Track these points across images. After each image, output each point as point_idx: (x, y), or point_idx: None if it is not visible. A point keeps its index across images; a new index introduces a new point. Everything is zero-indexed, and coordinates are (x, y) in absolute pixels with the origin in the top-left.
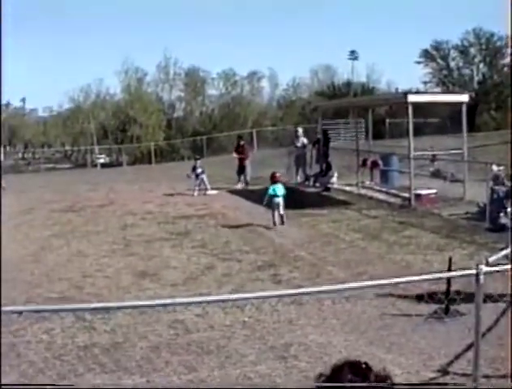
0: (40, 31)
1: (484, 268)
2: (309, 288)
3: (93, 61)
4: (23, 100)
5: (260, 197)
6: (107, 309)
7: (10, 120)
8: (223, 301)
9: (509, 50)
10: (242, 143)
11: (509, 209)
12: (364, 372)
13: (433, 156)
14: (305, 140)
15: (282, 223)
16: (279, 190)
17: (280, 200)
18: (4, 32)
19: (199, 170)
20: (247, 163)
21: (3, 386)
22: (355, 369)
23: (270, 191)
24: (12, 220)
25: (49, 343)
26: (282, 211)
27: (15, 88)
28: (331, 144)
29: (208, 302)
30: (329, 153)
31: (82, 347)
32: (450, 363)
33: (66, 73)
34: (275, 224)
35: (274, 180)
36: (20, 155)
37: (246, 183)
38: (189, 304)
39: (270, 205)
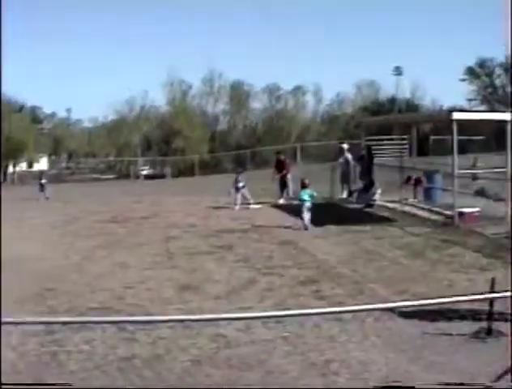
0: (88, 43)
1: None
2: (352, 307)
3: (138, 73)
4: (69, 110)
5: None
6: (146, 323)
7: (56, 130)
8: (266, 317)
9: None
10: (282, 157)
11: None
12: None
13: (474, 174)
14: (349, 156)
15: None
16: (308, 194)
17: (309, 204)
18: (4, 36)
19: (241, 184)
20: (289, 177)
21: (3, 387)
22: None
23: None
24: (56, 230)
25: (90, 353)
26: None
27: (61, 99)
28: (375, 160)
29: (252, 318)
30: (373, 169)
31: (123, 358)
32: (492, 384)
33: (112, 85)
34: (306, 228)
35: (303, 186)
36: (64, 164)
37: (289, 198)
38: (234, 319)
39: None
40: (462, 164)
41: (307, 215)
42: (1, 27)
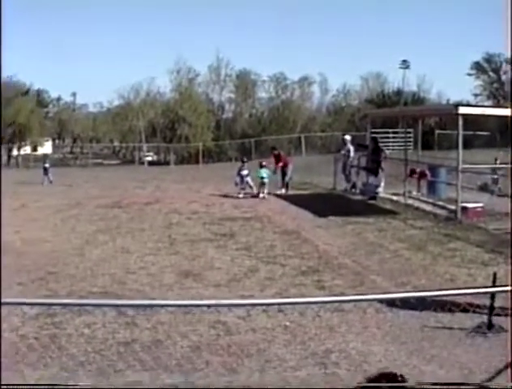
0: (94, 27)
1: None
2: (353, 296)
3: (145, 59)
4: (74, 94)
5: (306, 202)
6: (148, 307)
7: (61, 114)
8: (268, 305)
9: None
10: (277, 152)
11: None
12: (400, 383)
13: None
14: (351, 148)
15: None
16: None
17: (266, 180)
18: (4, 27)
19: (245, 172)
20: (288, 169)
21: (3, 387)
22: (391, 380)
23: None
24: (59, 214)
25: (90, 337)
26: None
27: (67, 83)
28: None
29: (253, 305)
30: (380, 161)
31: (122, 343)
32: (491, 379)
33: (118, 70)
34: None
35: (261, 166)
36: (69, 149)
37: (287, 188)
38: (235, 306)
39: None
40: (466, 159)
41: (265, 189)
42: (1, 18)
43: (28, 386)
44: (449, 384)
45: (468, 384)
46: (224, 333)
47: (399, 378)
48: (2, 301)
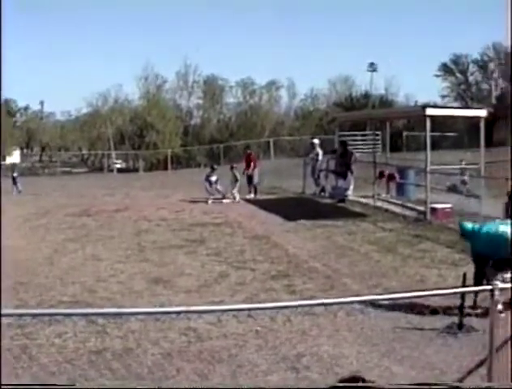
0: (60, 35)
1: (500, 284)
2: (323, 300)
3: (112, 67)
4: (42, 103)
5: (276, 206)
6: (119, 315)
7: (29, 123)
8: (237, 310)
9: None
10: (249, 151)
11: None
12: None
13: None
14: (320, 151)
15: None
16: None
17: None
18: (4, 32)
19: (213, 178)
20: (255, 172)
21: (3, 387)
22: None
23: None
24: (27, 223)
25: (61, 346)
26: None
27: (34, 92)
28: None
29: (222, 311)
30: (350, 163)
31: (93, 351)
32: (463, 379)
33: (85, 78)
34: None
35: (231, 168)
36: (37, 158)
37: (255, 193)
38: (204, 312)
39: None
40: (434, 160)
41: (237, 193)
42: (1, 26)
43: (28, 386)
44: (420, 384)
45: (438, 384)
46: (195, 339)
47: (367, 382)
48: (3, 312)
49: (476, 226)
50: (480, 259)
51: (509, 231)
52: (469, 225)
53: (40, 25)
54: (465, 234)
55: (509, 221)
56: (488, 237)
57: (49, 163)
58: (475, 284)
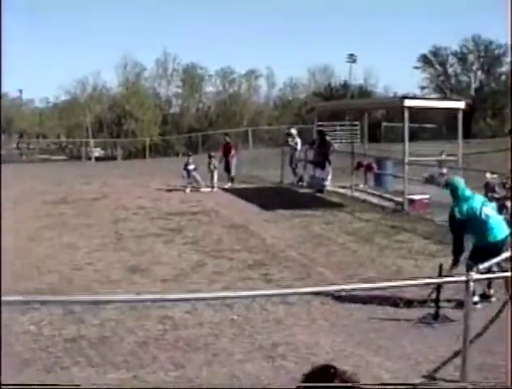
0: (39, 22)
1: (475, 275)
2: (300, 289)
3: (91, 54)
4: (20, 90)
5: (253, 195)
6: (97, 303)
7: (7, 110)
8: (213, 298)
9: (507, 58)
10: (228, 139)
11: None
12: (332, 376)
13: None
14: (298, 141)
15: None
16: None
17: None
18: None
19: (191, 167)
20: (233, 161)
21: (3, 387)
22: (329, 374)
23: None
24: (3, 211)
25: (37, 334)
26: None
27: (13, 78)
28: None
29: (197, 299)
30: (328, 153)
31: (69, 339)
32: (438, 369)
33: (64, 65)
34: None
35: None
36: (15, 145)
37: (232, 181)
38: (180, 301)
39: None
40: (413, 151)
41: (215, 182)
42: (1, 27)
43: (28, 386)
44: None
45: (403, 384)
46: (171, 328)
47: (338, 371)
48: (3, 299)
49: (468, 192)
50: (458, 223)
51: (490, 215)
52: (462, 185)
53: (18, 12)
54: (454, 191)
55: (493, 206)
56: (472, 210)
57: (27, 150)
58: (455, 250)
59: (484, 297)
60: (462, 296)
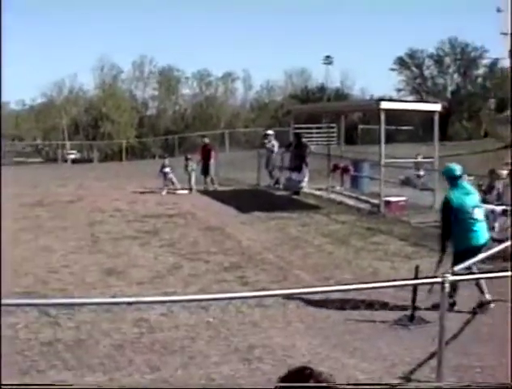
0: (15, 23)
1: (450, 277)
2: (275, 291)
3: (68, 56)
4: None
5: (230, 198)
6: (72, 305)
7: None
8: (188, 301)
9: (483, 61)
10: (207, 141)
11: None
12: (307, 377)
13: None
14: (275, 143)
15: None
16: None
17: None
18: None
19: (167, 169)
20: (211, 164)
21: (3, 387)
22: (305, 376)
23: None
24: None
25: (12, 338)
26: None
27: None
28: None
29: (173, 302)
30: (304, 156)
31: (45, 343)
32: (413, 370)
33: (40, 67)
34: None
35: (186, 159)
36: None
37: (212, 183)
38: (155, 303)
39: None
40: (389, 153)
41: (193, 184)
42: (1, 28)
43: (28, 386)
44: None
45: (381, 384)
46: (146, 331)
47: (315, 373)
48: (2, 302)
49: (467, 185)
50: (449, 209)
51: (479, 218)
52: (458, 172)
53: None
54: (449, 177)
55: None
56: (465, 208)
57: (2, 153)
58: (443, 235)
59: (481, 305)
60: (438, 298)
